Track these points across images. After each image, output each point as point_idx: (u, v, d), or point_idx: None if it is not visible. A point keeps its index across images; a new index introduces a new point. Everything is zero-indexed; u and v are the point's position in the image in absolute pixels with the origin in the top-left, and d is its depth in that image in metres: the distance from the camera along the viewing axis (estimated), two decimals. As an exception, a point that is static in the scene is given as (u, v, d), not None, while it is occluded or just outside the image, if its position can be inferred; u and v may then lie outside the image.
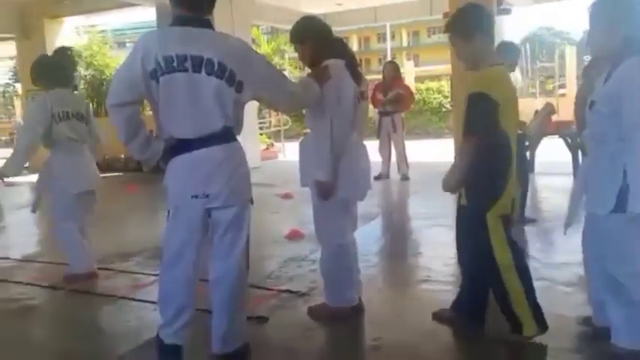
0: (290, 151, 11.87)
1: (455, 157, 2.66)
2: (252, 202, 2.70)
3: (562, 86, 20.03)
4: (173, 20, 2.46)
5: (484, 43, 2.64)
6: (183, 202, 2.51)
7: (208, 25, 2.48)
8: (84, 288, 3.97)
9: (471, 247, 2.77)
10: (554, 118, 7.96)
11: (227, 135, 2.51)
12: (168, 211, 2.56)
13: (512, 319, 2.70)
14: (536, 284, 3.53)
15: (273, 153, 12.44)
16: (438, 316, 3.07)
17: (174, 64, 2.36)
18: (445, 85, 16.64)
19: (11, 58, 21.13)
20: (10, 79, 27.83)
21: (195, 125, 2.44)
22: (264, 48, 16.48)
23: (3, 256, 5.08)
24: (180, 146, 2.48)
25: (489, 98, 2.52)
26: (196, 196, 2.46)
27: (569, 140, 7.60)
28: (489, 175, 2.61)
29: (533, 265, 3.93)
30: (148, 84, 2.40)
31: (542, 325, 2.69)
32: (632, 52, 2.37)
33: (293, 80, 2.90)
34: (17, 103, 22.24)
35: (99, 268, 4.40)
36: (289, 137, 14.15)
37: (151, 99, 2.47)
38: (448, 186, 2.71)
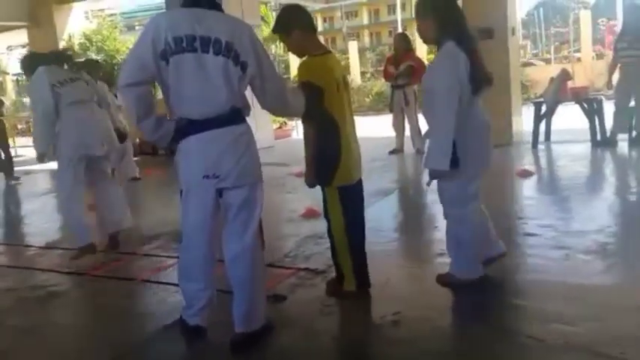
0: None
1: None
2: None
3: (577, 51, 19.67)
4: (184, 1, 2.51)
5: (305, 35, 2.95)
6: (194, 182, 2.57)
7: (217, 7, 2.52)
8: (106, 273, 4.05)
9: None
10: (570, 84, 7.86)
11: (236, 117, 2.55)
12: (181, 192, 2.63)
13: (338, 272, 3.17)
14: (554, 253, 3.58)
15: (287, 132, 12.41)
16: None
17: (184, 44, 2.41)
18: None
19: (23, 47, 21.20)
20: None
21: (205, 105, 2.48)
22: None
23: (26, 243, 5.18)
24: (191, 127, 2.53)
25: (313, 85, 2.85)
26: (207, 177, 2.52)
27: (586, 106, 7.49)
28: (322, 154, 2.95)
29: (551, 234, 3.95)
30: (159, 64, 2.45)
31: (361, 285, 3.14)
32: (445, 39, 2.89)
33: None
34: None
35: (121, 253, 4.47)
36: (302, 115, 14.09)
37: (161, 80, 2.52)
38: (309, 181, 3.04)
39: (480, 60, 2.93)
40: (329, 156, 2.96)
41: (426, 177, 3.18)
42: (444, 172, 2.92)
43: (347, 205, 3.06)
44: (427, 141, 3.10)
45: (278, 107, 2.80)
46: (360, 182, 3.15)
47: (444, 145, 2.87)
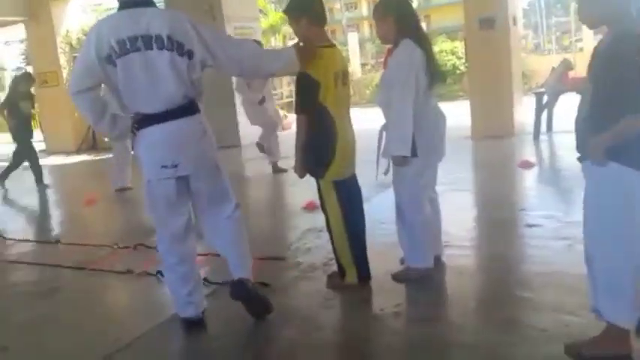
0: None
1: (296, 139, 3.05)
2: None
3: (579, 41, 19.58)
4: (120, 5, 2.60)
5: (311, 25, 2.98)
6: (155, 172, 2.66)
7: (151, 4, 2.62)
8: (105, 267, 4.03)
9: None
10: (572, 74, 7.79)
11: (190, 108, 2.66)
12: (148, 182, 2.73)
13: (339, 266, 3.17)
14: (556, 244, 3.55)
15: (287, 124, 12.35)
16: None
17: (127, 45, 2.51)
18: (459, 46, 16.31)
19: (21, 41, 21.14)
20: (21, 62, 27.96)
21: (157, 99, 2.58)
22: (272, 17, 16.25)
23: (25, 238, 5.16)
24: (146, 120, 2.62)
25: (310, 78, 2.88)
26: (165, 167, 2.61)
27: (588, 96, 7.42)
28: (317, 147, 2.99)
29: (553, 225, 3.92)
30: (105, 69, 2.55)
31: (362, 277, 3.15)
32: (403, 38, 3.00)
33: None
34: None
35: (120, 247, 4.45)
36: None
37: (110, 83, 2.61)
38: (299, 172, 3.08)
39: (435, 57, 3.14)
40: (324, 149, 2.98)
41: (382, 167, 3.23)
42: (404, 159, 3.00)
43: (344, 199, 3.08)
44: (384, 133, 3.15)
45: (238, 71, 2.88)
46: (354, 176, 3.16)
47: (404, 133, 2.96)
